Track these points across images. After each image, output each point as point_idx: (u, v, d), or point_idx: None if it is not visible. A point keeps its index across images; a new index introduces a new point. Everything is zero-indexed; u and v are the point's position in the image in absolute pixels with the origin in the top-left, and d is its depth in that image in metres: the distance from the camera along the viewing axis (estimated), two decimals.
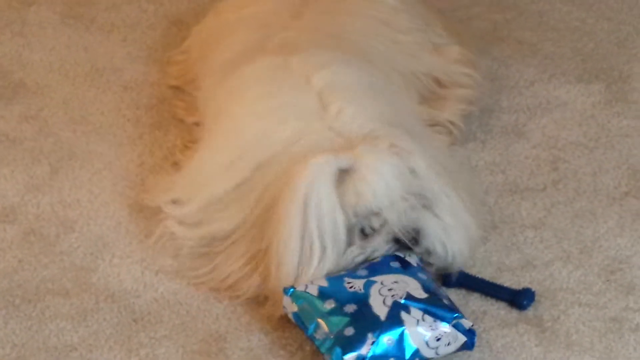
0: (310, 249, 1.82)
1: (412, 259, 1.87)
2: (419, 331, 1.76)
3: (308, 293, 1.81)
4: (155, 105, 2.29)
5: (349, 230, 1.85)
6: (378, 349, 1.75)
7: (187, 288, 1.93)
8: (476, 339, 1.81)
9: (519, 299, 1.91)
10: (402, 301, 1.78)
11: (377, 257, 1.86)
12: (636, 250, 2.00)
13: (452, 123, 2.19)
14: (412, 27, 2.23)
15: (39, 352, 1.84)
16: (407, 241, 1.85)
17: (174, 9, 2.53)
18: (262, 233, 1.87)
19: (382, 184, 1.82)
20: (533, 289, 1.92)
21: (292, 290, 1.82)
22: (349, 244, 1.85)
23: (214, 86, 2.09)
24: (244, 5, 2.24)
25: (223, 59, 2.13)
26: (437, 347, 1.78)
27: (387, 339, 1.76)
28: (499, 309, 1.91)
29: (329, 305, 1.79)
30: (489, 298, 1.92)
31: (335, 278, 1.83)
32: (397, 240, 1.86)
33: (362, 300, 1.79)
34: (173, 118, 2.23)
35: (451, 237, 1.88)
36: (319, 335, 1.78)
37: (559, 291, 1.93)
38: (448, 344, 1.79)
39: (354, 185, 1.83)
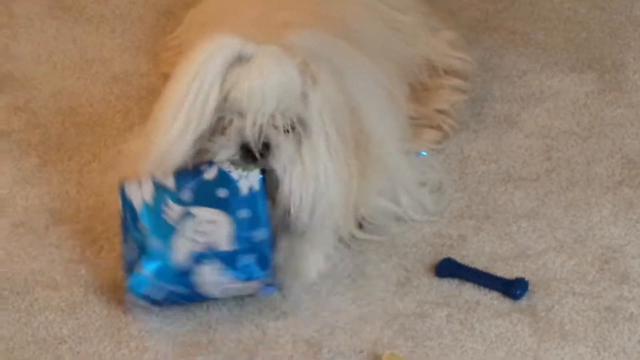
0: (179, 120, 1.79)
1: (245, 184, 1.80)
2: (211, 279, 1.79)
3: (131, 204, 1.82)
4: (145, 96, 2.27)
5: (216, 117, 1.80)
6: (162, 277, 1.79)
7: None
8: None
9: (512, 288, 1.90)
10: (202, 252, 1.79)
11: (220, 157, 1.80)
12: (630, 239, 1.99)
13: (442, 112, 2.17)
14: (410, 6, 2.21)
15: (28, 344, 1.82)
16: (254, 151, 1.78)
17: (164, 0, 2.52)
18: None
19: (261, 88, 1.76)
20: (526, 279, 1.91)
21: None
22: (210, 132, 1.80)
23: None
24: None
25: None
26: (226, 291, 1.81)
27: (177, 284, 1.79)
28: (492, 299, 1.89)
29: (142, 229, 1.81)
30: (482, 288, 1.91)
31: (160, 193, 1.81)
32: (245, 149, 1.79)
33: (169, 234, 1.80)
34: None
35: (295, 177, 1.80)
36: (127, 249, 1.82)
37: (553, 281, 1.92)
38: (239, 291, 1.82)
39: (237, 75, 1.78)
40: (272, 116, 1.78)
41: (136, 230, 1.81)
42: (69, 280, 1.92)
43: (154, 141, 1.80)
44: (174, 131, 1.79)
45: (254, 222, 1.80)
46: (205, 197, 1.80)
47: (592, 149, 2.17)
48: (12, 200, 2.06)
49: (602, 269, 1.94)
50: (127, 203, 1.82)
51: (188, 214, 1.80)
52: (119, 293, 1.89)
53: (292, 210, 1.82)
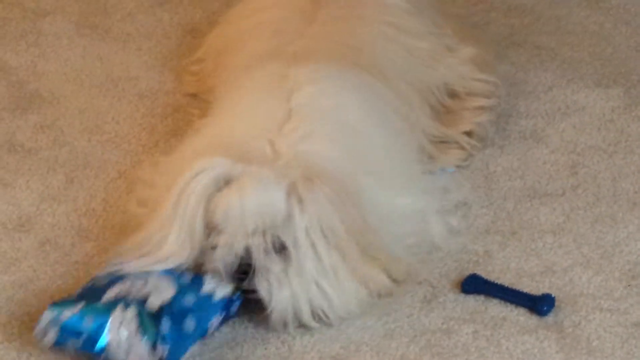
0: (170, 242, 1.81)
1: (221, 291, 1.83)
2: (121, 330, 1.74)
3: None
4: (171, 113, 2.28)
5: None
6: (76, 322, 1.74)
7: None
8: None
9: (539, 305, 1.89)
10: (130, 299, 1.76)
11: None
12: None
13: (468, 134, 2.16)
14: (426, 31, 2.21)
15: None
16: (232, 272, 1.79)
17: (189, 17, 2.53)
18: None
19: (239, 209, 1.77)
20: (553, 295, 1.90)
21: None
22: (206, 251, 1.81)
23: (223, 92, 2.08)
24: (257, 10, 2.22)
25: (237, 67, 2.12)
26: (127, 355, 1.75)
27: (89, 318, 1.75)
28: (518, 315, 1.89)
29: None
30: (508, 304, 1.90)
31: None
32: (231, 269, 1.80)
33: (110, 284, 1.79)
34: (188, 126, 2.22)
35: (283, 299, 1.80)
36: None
37: (580, 297, 1.91)
38: (139, 358, 1.75)
39: (219, 196, 1.79)
40: (256, 237, 1.78)
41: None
42: None
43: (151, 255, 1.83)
44: (167, 251, 1.82)
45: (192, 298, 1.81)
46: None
47: (618, 165, 2.16)
48: (39, 217, 2.07)
49: (629, 285, 1.92)
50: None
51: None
52: None
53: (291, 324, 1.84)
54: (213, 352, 1.84)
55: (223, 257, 1.80)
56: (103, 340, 1.74)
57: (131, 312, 1.75)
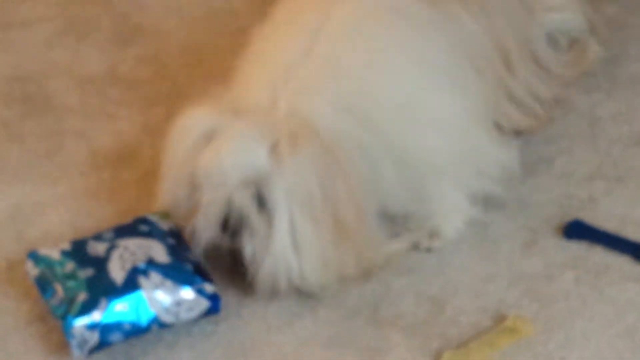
0: (167, 194, 1.80)
1: (165, 224, 1.82)
2: (158, 296, 1.71)
3: (49, 257, 1.77)
4: None
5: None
6: (111, 315, 1.69)
7: None
8: (221, 304, 1.74)
9: None
10: (142, 265, 1.73)
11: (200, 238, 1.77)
12: None
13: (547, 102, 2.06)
14: None
15: None
16: (219, 227, 1.74)
17: None
18: None
19: (218, 165, 1.72)
20: None
21: (34, 253, 1.78)
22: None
23: None
24: None
25: None
26: (177, 313, 1.72)
27: (121, 305, 1.70)
28: (622, 263, 1.85)
29: (68, 269, 1.74)
30: (612, 251, 1.86)
31: (79, 241, 1.79)
32: (223, 227, 1.75)
33: (100, 264, 1.74)
34: None
35: (268, 262, 1.74)
36: (55, 301, 1.72)
37: None
38: (190, 309, 1.73)
39: (206, 149, 1.74)
40: (239, 191, 1.73)
41: (63, 279, 1.73)
42: None
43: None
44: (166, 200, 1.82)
45: (183, 247, 1.80)
46: (128, 232, 1.80)
47: None
48: (140, 148, 2.09)
49: None
50: (42, 260, 1.78)
51: (113, 247, 1.77)
52: None
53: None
54: (352, 307, 1.82)
55: (208, 212, 1.75)
56: (150, 313, 1.72)
57: (154, 274, 1.73)
